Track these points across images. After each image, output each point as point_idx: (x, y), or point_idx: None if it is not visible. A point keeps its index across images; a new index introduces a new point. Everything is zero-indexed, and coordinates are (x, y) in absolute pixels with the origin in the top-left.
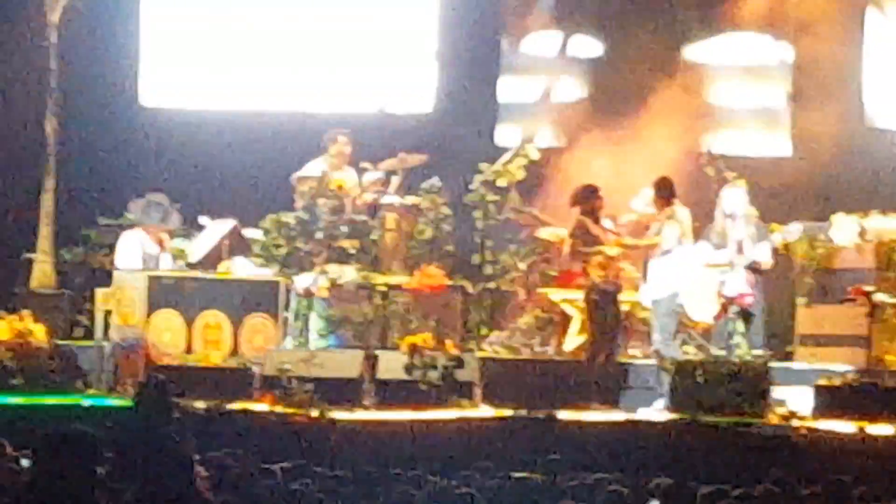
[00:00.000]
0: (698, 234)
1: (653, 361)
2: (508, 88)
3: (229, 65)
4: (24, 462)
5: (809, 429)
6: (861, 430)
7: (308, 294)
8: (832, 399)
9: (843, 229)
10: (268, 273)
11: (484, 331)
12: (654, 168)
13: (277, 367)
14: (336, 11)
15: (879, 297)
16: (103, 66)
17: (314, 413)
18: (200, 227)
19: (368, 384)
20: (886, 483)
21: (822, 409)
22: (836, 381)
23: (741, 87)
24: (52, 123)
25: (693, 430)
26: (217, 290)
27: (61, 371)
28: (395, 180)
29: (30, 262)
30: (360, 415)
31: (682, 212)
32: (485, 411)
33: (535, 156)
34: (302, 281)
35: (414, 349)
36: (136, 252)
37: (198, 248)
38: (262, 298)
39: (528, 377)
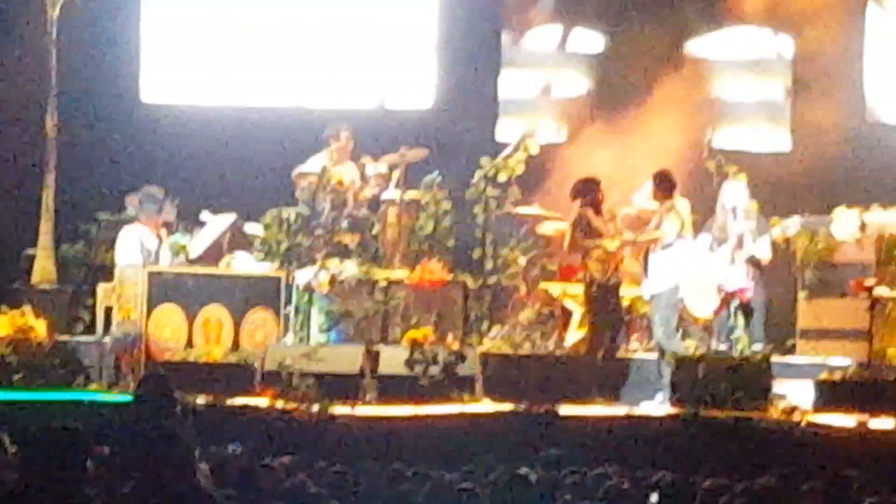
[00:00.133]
0: (699, 227)
1: (654, 356)
2: (509, 83)
3: (230, 61)
4: (12, 451)
5: (810, 423)
6: (862, 424)
7: (309, 289)
8: (833, 393)
9: (844, 223)
10: (269, 268)
11: (485, 325)
12: (656, 162)
13: (278, 362)
14: (336, 7)
15: (880, 290)
16: (104, 63)
17: (315, 408)
18: (201, 223)
19: (369, 379)
20: (887, 477)
21: (823, 403)
22: (837, 375)
23: (742, 81)
24: (53, 119)
25: (694, 424)
26: (218, 286)
27: (62, 366)
28: (396, 175)
29: (31, 257)
30: (361, 410)
31: (682, 204)
32: (486, 406)
33: (536, 150)
34: (303, 276)
35: (415, 344)
36: (135, 247)
37: (198, 243)
38: (263, 293)
39: (529, 372)
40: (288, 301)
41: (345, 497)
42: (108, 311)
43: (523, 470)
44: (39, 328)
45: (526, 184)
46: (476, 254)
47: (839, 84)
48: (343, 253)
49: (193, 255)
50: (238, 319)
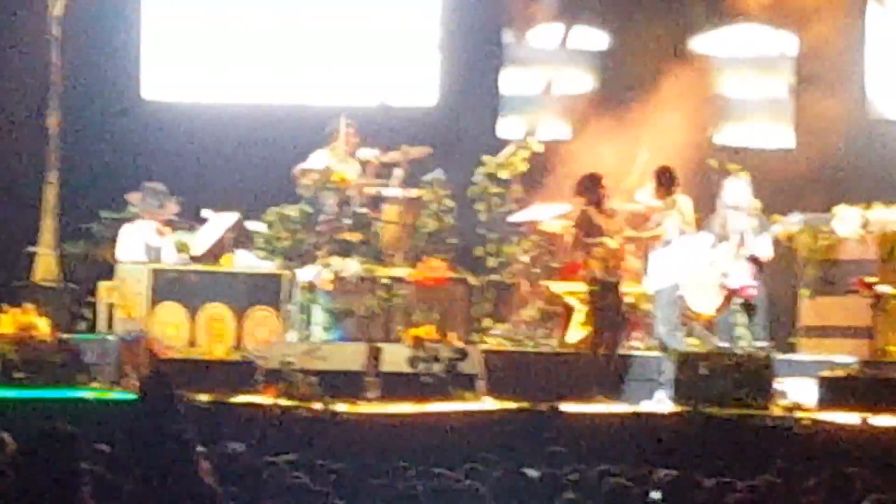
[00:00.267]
0: (700, 225)
1: (656, 353)
2: (511, 80)
3: (231, 58)
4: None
5: (813, 420)
6: (864, 421)
7: (311, 287)
8: (835, 390)
9: (847, 221)
10: (271, 266)
11: (487, 323)
12: (659, 159)
13: (281, 359)
14: (339, 5)
15: (883, 288)
16: (106, 60)
17: (317, 406)
18: (203, 221)
19: (372, 377)
20: (890, 474)
21: (826, 401)
22: (840, 373)
23: (745, 78)
24: (55, 117)
25: (696, 421)
26: (220, 283)
27: (65, 364)
28: (398, 173)
29: (33, 255)
30: (363, 407)
31: (683, 201)
32: (488, 404)
33: (538, 148)
34: (305, 274)
35: (417, 342)
36: (138, 244)
37: (201, 241)
38: (265, 291)
39: (531, 369)
40: (290, 299)
41: (347, 495)
42: (111, 308)
43: (525, 467)
44: (42, 326)
45: (528, 181)
46: (478, 251)
47: (842, 81)
48: (345, 250)
49: (196, 253)
50: (240, 317)
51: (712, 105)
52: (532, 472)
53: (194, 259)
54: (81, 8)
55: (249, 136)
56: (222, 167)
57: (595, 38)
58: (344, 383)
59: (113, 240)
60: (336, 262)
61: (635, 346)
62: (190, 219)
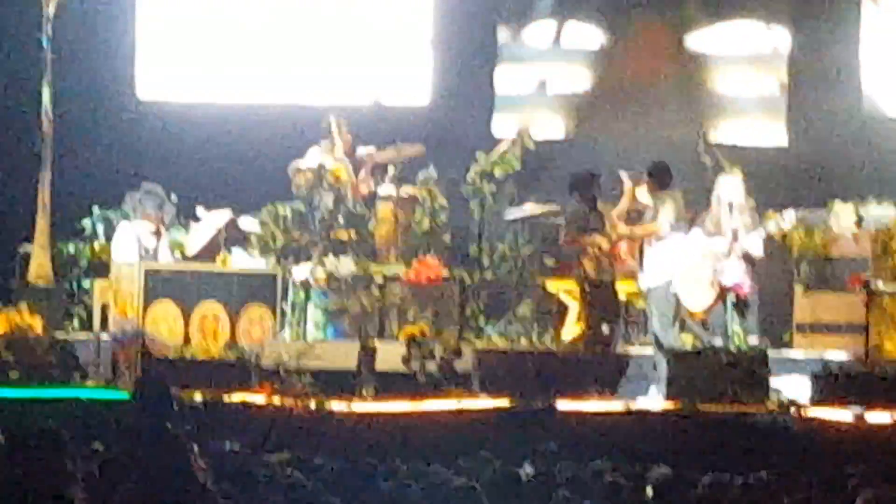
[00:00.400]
0: (694, 222)
1: (650, 350)
2: (506, 78)
3: (225, 57)
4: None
5: (807, 417)
6: (859, 417)
7: (305, 285)
8: (830, 387)
9: (841, 217)
10: (265, 264)
11: (481, 321)
12: (654, 156)
13: (275, 358)
14: (332, 3)
15: (877, 284)
16: (100, 59)
17: (312, 404)
18: (198, 219)
19: (366, 375)
20: (885, 470)
21: (820, 397)
22: (834, 370)
23: (738, 75)
24: (49, 116)
25: (691, 419)
26: (214, 282)
27: (59, 363)
28: (392, 171)
29: (26, 254)
30: (357, 406)
31: (674, 197)
32: (482, 402)
33: (532, 146)
34: (299, 272)
35: (411, 340)
36: (132, 244)
37: (195, 240)
38: (259, 290)
39: (525, 367)
40: (284, 297)
41: (342, 493)
42: (105, 307)
43: (520, 465)
44: (36, 325)
45: (523, 179)
46: (472, 250)
47: (836, 78)
48: (339, 249)
49: (190, 252)
50: (234, 316)
51: (707, 102)
52: (526, 470)
53: (188, 258)
54: (75, 7)
55: (243, 135)
56: (216, 166)
57: (590, 36)
58: (338, 382)
59: (107, 239)
60: (330, 260)
61: (630, 343)
62: (184, 217)
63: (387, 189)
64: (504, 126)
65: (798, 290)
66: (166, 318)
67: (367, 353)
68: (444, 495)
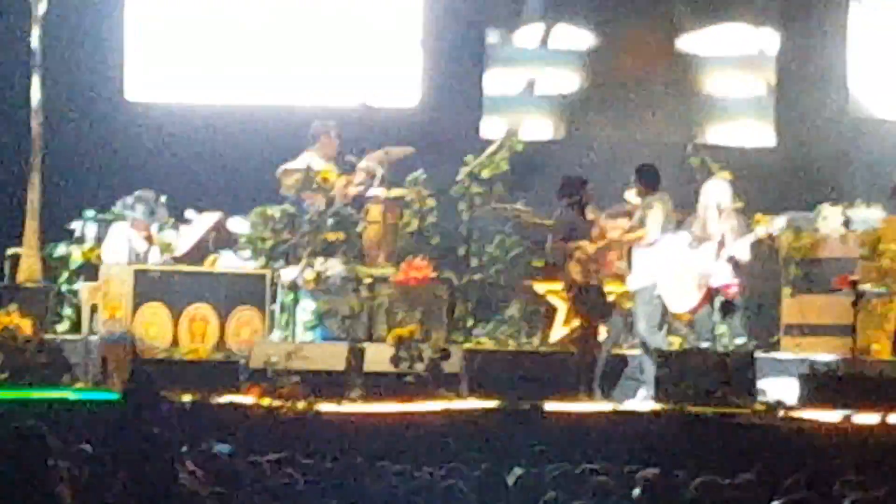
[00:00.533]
0: (680, 224)
1: (638, 352)
2: (495, 80)
3: (214, 59)
4: None
5: (795, 418)
6: (846, 418)
7: (294, 287)
8: (818, 388)
9: (829, 219)
10: (254, 266)
11: (470, 322)
12: (642, 158)
13: (264, 359)
14: (321, 5)
15: (864, 286)
16: (88, 61)
17: (301, 405)
18: (187, 221)
19: (355, 376)
20: (872, 472)
21: (808, 399)
22: (822, 371)
23: (727, 77)
24: (38, 118)
25: (679, 420)
26: (203, 284)
27: (48, 365)
28: (380, 173)
29: (16, 256)
30: (346, 407)
31: (663, 200)
32: (471, 403)
33: (520, 148)
34: (288, 274)
35: (400, 341)
36: (123, 246)
37: (183, 241)
38: (248, 291)
39: (513, 368)
40: (273, 299)
41: (330, 494)
42: (94, 309)
43: (508, 467)
44: (25, 327)
45: (511, 181)
46: (461, 251)
47: (824, 79)
48: (328, 250)
49: (178, 253)
50: (223, 317)
51: (694, 104)
52: (515, 471)
53: (176, 259)
54: (64, 9)
55: (232, 136)
56: (205, 168)
57: (579, 38)
58: (327, 383)
59: (96, 241)
60: (319, 262)
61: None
62: (174, 219)
63: (375, 190)
64: (493, 128)
65: (786, 291)
66: (155, 319)
67: (356, 355)
68: (432, 496)
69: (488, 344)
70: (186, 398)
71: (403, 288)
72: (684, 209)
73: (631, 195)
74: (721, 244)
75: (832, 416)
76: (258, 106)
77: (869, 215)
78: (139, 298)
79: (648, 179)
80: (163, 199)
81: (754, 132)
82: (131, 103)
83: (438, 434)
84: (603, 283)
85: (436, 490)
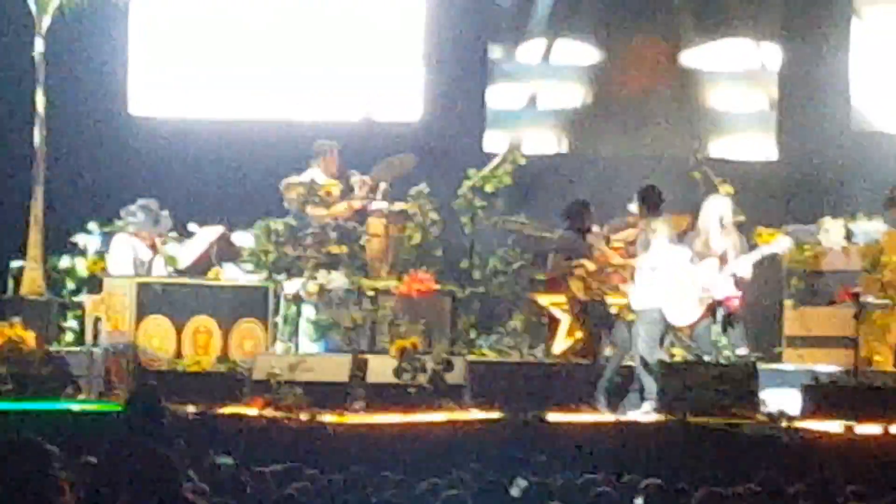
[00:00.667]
0: (682, 238)
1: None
2: (498, 95)
3: (217, 73)
4: None
5: (797, 429)
6: (849, 429)
7: (297, 299)
8: (820, 399)
9: (831, 232)
10: (257, 279)
11: (473, 334)
12: (645, 173)
13: (267, 371)
14: (324, 20)
15: (866, 298)
16: (92, 76)
17: (304, 417)
18: (190, 234)
19: (358, 388)
20: (874, 482)
21: (810, 410)
22: (824, 382)
23: (730, 91)
24: (42, 131)
25: (681, 431)
26: (207, 296)
27: (52, 377)
28: (383, 186)
29: (19, 269)
30: (349, 418)
31: (666, 222)
32: (474, 414)
33: (523, 162)
34: (291, 286)
35: (403, 353)
36: (127, 257)
37: (187, 254)
38: (251, 304)
39: (516, 380)
40: (276, 311)
41: None
42: (97, 321)
43: (511, 478)
44: (29, 339)
45: (514, 195)
46: (464, 264)
47: (825, 93)
48: (331, 263)
49: (181, 266)
50: (227, 330)
51: (698, 118)
52: (517, 482)
53: (180, 272)
54: (68, 24)
55: (235, 150)
56: (208, 181)
57: (581, 53)
58: (330, 394)
59: (99, 253)
60: (322, 274)
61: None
62: (176, 232)
63: (378, 203)
64: (496, 142)
65: (788, 303)
66: (158, 331)
67: (359, 366)
68: None
69: (491, 355)
70: (190, 410)
71: (406, 300)
72: (689, 223)
73: (634, 207)
74: (723, 259)
75: (834, 426)
76: (261, 120)
77: (871, 228)
78: (143, 310)
79: (651, 201)
80: (165, 212)
81: (757, 146)
82: (135, 117)
83: (441, 445)
84: (605, 297)
85: (438, 501)
